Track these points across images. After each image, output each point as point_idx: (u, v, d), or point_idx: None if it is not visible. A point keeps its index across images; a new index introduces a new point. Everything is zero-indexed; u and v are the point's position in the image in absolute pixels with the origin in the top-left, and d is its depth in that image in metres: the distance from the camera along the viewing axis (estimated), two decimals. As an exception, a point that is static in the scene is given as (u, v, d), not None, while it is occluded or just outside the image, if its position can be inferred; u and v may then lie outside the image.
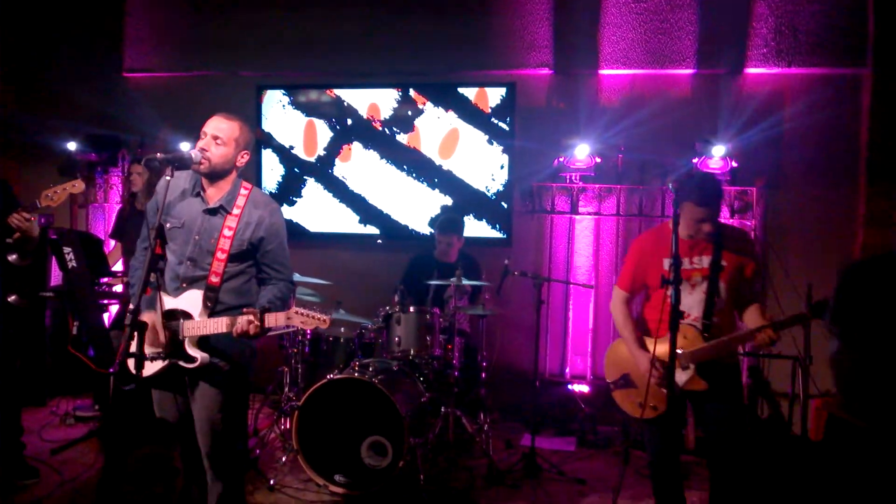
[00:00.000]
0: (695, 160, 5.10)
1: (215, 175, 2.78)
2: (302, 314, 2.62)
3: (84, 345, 4.68)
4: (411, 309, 4.24)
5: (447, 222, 5.02)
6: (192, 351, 2.70)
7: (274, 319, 2.61)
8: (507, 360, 5.45)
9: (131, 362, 2.62)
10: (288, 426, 4.27)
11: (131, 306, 2.64)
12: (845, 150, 5.11)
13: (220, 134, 2.74)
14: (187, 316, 2.72)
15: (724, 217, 5.30)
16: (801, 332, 4.48)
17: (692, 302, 2.98)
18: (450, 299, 4.50)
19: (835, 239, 5.11)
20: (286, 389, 4.53)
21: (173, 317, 2.72)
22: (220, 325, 2.66)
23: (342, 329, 4.64)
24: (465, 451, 4.46)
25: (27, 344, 5.26)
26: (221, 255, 2.73)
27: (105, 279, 4.98)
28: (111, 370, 3.90)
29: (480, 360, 4.70)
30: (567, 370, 5.63)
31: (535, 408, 4.51)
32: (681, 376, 2.95)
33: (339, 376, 3.86)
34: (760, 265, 3.09)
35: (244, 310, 2.63)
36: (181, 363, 2.70)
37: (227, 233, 2.75)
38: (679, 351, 2.87)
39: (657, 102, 5.28)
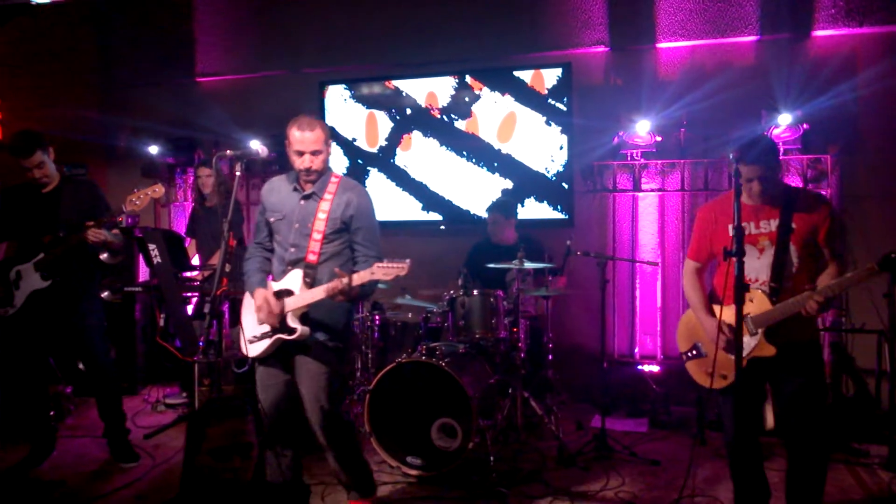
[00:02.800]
0: (765, 133, 4.92)
1: (319, 176, 3.09)
2: (383, 267, 2.79)
3: (171, 336, 4.98)
4: (475, 292, 4.30)
5: (494, 202, 5.11)
6: (293, 323, 2.96)
7: (359, 277, 2.83)
8: (573, 342, 5.45)
9: (245, 345, 3.04)
10: (360, 410, 4.41)
11: (245, 295, 3.11)
12: (926, 111, 4.85)
13: (317, 146, 3.01)
14: (289, 293, 2.99)
15: (797, 185, 5.12)
16: (886, 305, 4.31)
17: (760, 266, 2.92)
18: (512, 282, 4.54)
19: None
20: (357, 374, 4.70)
21: (278, 297, 3.00)
22: (317, 293, 2.91)
23: (409, 314, 4.77)
24: (535, 432, 4.51)
25: (120, 336, 5.66)
26: (317, 236, 3.02)
27: (186, 273, 5.27)
28: (195, 359, 4.18)
29: (546, 341, 4.72)
30: (636, 350, 5.58)
31: (604, 389, 4.50)
32: (749, 342, 2.89)
33: (407, 360, 3.96)
34: (838, 227, 2.93)
35: (336, 270, 2.88)
36: (284, 336, 2.97)
37: (321, 215, 3.03)
38: (748, 315, 2.86)
39: (719, 73, 5.14)
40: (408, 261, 2.78)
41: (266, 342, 3.01)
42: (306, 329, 2.96)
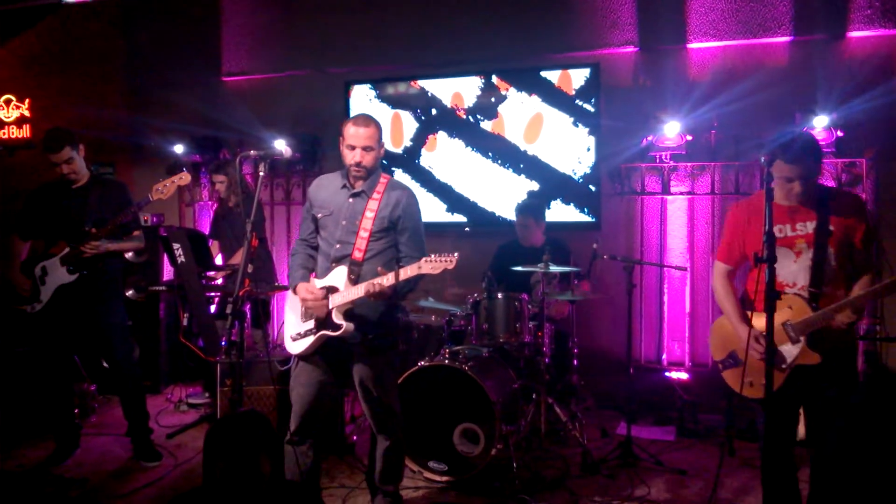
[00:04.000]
0: (805, 130, 4.81)
1: (368, 175, 3.10)
2: (431, 261, 2.79)
3: (194, 335, 4.99)
4: (499, 295, 4.25)
5: (523, 205, 5.02)
6: (338, 320, 2.97)
7: (405, 273, 2.83)
8: (599, 347, 5.37)
9: (288, 342, 3.09)
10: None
11: (289, 291, 3.15)
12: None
13: (369, 143, 3.04)
14: (334, 290, 3.00)
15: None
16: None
17: (797, 270, 2.80)
18: (536, 284, 4.48)
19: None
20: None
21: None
22: (359, 290, 2.91)
23: (432, 317, 4.72)
24: (559, 439, 4.43)
25: (144, 335, 5.70)
26: (364, 234, 3.04)
27: (210, 273, 5.28)
28: (217, 359, 4.18)
29: (571, 346, 4.65)
30: (664, 357, 5.48)
31: (630, 395, 4.42)
32: (791, 350, 2.78)
33: (430, 363, 3.92)
34: (873, 231, 2.84)
35: (378, 269, 2.88)
36: (328, 332, 2.98)
37: (368, 214, 3.05)
38: (788, 322, 2.76)
39: (751, 74, 5.02)
40: (455, 254, 2.79)
41: (310, 339, 3.03)
42: (351, 325, 2.98)
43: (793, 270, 2.81)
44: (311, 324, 3.04)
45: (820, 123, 4.74)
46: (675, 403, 4.97)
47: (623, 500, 3.62)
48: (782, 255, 2.79)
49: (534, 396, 4.25)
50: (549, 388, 4.28)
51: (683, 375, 5.21)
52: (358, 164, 3.04)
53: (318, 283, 3.06)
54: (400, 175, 6.05)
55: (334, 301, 2.98)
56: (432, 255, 2.80)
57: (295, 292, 3.09)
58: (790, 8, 5.08)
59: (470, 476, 3.77)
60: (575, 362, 4.63)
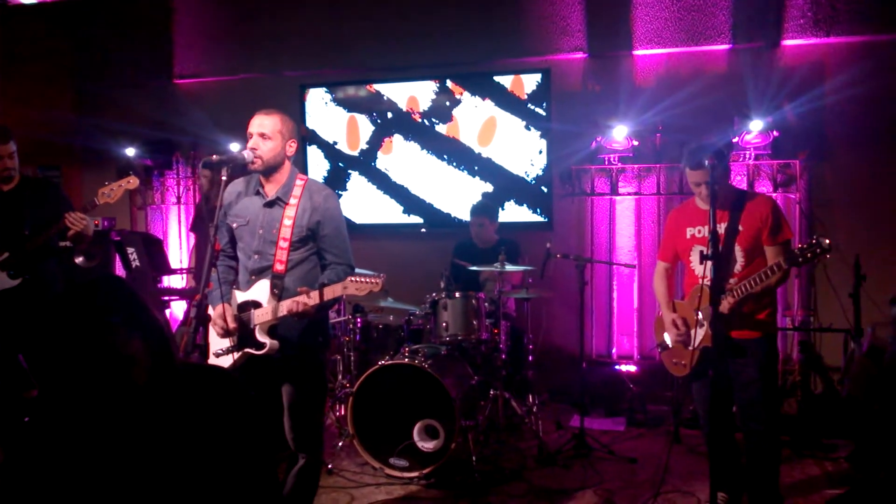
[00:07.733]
0: (735, 139, 5.06)
1: (270, 170, 2.91)
2: (356, 281, 2.69)
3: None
4: (457, 294, 4.35)
5: (476, 205, 5.11)
6: (262, 338, 2.82)
7: (331, 292, 2.72)
8: (553, 343, 5.53)
9: (213, 358, 2.89)
10: (343, 412, 4.44)
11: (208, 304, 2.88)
12: (891, 119, 5.00)
13: (264, 130, 2.86)
14: (257, 305, 2.85)
15: (767, 191, 5.25)
16: (851, 305, 4.46)
17: (709, 265, 3.10)
18: (485, 282, 4.60)
19: (882, 210, 5.04)
20: (340, 377, 4.72)
21: (245, 308, 2.88)
22: (282, 309, 2.76)
23: (391, 317, 4.80)
24: (516, 432, 4.57)
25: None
26: (283, 244, 2.86)
27: (165, 276, 5.25)
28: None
29: (527, 342, 4.78)
30: (614, 350, 5.68)
31: (582, 389, 4.58)
32: (699, 333, 3.16)
33: (390, 362, 4.00)
34: (779, 230, 3.09)
35: (298, 289, 2.74)
36: (252, 351, 2.83)
37: (286, 222, 2.87)
38: (697, 309, 3.11)
39: (694, 80, 5.24)
40: (382, 276, 2.71)
41: (234, 356, 2.86)
42: (275, 343, 2.82)
43: (708, 265, 3.11)
44: (232, 339, 2.87)
45: (756, 127, 5.00)
46: (624, 395, 5.17)
47: (578, 489, 3.76)
48: (697, 252, 3.17)
49: (491, 392, 4.37)
50: (505, 384, 4.41)
51: (632, 368, 5.41)
52: (252, 151, 2.83)
53: (241, 297, 2.90)
54: (357, 177, 6.11)
55: (257, 318, 2.82)
56: (358, 277, 2.70)
57: (213, 309, 2.90)
58: (729, 17, 5.32)
59: (431, 471, 3.86)
60: (530, 358, 4.77)
